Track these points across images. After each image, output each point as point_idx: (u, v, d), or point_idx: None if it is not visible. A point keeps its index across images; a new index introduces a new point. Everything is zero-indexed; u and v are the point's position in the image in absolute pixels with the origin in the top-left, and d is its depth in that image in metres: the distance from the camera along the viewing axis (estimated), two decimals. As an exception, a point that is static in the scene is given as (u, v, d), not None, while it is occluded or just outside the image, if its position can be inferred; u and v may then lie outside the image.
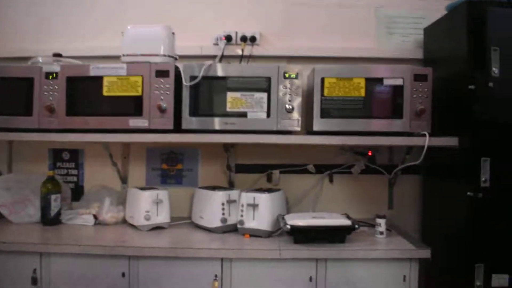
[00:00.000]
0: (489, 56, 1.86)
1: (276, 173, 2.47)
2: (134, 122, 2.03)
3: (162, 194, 2.17)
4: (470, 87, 1.91)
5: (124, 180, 2.50)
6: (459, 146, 1.97)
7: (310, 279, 1.88)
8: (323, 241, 1.94)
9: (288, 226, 1.88)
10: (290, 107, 2.01)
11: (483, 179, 1.89)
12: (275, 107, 2.03)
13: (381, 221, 2.07)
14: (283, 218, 1.98)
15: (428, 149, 1.99)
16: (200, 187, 2.30)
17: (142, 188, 2.20)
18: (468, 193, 1.91)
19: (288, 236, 2.03)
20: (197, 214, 2.23)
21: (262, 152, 2.49)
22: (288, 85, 2.03)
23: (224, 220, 2.10)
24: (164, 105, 2.00)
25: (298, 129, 2.03)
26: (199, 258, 1.84)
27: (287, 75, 2.04)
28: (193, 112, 2.05)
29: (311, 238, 1.94)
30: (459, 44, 1.98)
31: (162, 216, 2.16)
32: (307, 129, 2.11)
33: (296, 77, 2.04)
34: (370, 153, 2.44)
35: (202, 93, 2.06)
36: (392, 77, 2.03)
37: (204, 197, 2.19)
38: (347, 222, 1.94)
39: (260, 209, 2.05)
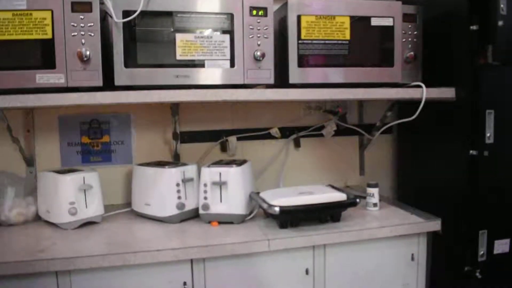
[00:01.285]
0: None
1: (232, 140, 1.99)
2: (44, 77, 1.40)
3: (91, 177, 1.58)
4: (472, 27, 1.62)
5: (29, 162, 1.83)
6: (458, 98, 1.69)
7: (307, 271, 1.49)
8: (313, 222, 1.56)
9: (277, 209, 1.44)
10: (260, 53, 1.54)
11: (488, 134, 1.64)
12: (241, 53, 1.54)
13: (374, 191, 1.73)
14: (261, 198, 1.55)
15: (411, 103, 1.69)
16: (140, 164, 1.74)
17: (60, 171, 1.58)
18: (471, 151, 1.66)
19: (268, 220, 1.61)
20: (141, 200, 1.69)
21: (212, 115, 1.99)
22: (256, 24, 1.55)
23: (181, 206, 1.60)
24: (87, 52, 1.40)
25: (272, 81, 1.57)
26: (159, 263, 1.33)
27: (254, 11, 1.56)
28: (130, 62, 1.47)
29: (299, 219, 1.54)
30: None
31: (93, 208, 1.58)
32: (281, 82, 1.66)
33: (266, 14, 1.56)
34: (340, 110, 2.07)
35: (142, 35, 1.49)
36: (380, 16, 1.65)
37: (150, 177, 1.65)
38: (343, 196, 1.57)
39: (229, 187, 1.58)
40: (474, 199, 1.66)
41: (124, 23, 1.44)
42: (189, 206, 1.63)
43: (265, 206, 1.50)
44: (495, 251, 1.71)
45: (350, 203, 1.55)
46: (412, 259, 1.59)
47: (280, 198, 1.51)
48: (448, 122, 1.77)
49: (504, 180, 1.69)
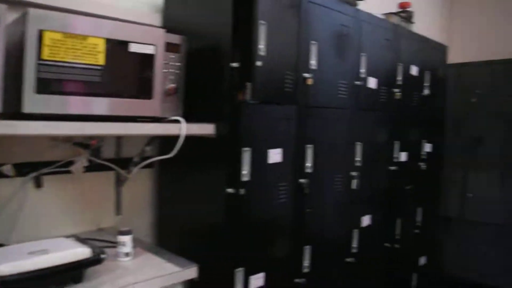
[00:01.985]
0: (256, 31, 1.62)
1: None
2: None
3: None
4: (233, 65, 1.63)
5: None
6: (218, 135, 1.66)
7: None
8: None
9: (-6, 283, 1.08)
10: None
11: (244, 172, 1.66)
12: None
13: (126, 239, 1.52)
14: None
15: (172, 137, 1.59)
16: None
17: None
18: (228, 189, 1.65)
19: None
20: None
21: None
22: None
23: None
24: None
25: (-2, 110, 1.20)
26: None
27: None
28: None
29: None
30: (217, 13, 1.66)
31: None
32: (13, 109, 1.28)
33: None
34: (94, 143, 1.80)
35: None
36: (141, 42, 1.48)
37: None
38: (86, 252, 1.30)
39: None
40: (230, 237, 1.65)
41: None
42: None
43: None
44: (251, 287, 1.75)
45: (94, 260, 1.30)
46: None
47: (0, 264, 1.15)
48: (208, 158, 1.74)
49: (258, 217, 1.75)
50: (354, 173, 2.24)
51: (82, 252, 1.29)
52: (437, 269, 3.41)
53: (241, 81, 1.66)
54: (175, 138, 1.57)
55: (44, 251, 1.24)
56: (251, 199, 1.69)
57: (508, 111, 3.38)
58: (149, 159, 1.79)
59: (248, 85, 1.66)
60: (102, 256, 1.29)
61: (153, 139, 1.79)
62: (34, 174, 1.67)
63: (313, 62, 1.96)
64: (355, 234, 2.30)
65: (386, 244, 2.56)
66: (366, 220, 2.38)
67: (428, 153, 2.97)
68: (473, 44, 3.89)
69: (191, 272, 1.48)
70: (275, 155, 1.80)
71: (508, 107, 3.38)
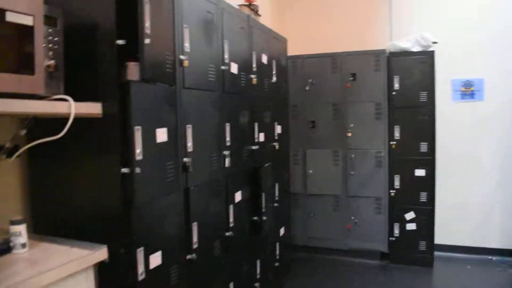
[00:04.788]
0: (142, 8, 1.60)
1: None
2: None
3: None
4: (118, 42, 1.58)
5: None
6: (107, 114, 1.60)
7: None
8: None
9: None
10: None
11: (138, 151, 1.64)
12: None
13: (21, 228, 1.36)
14: None
15: (45, 121, 1.49)
16: None
17: None
18: (123, 169, 1.60)
19: None
20: None
21: None
22: None
23: None
24: None
25: None
26: None
27: None
28: None
29: None
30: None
31: None
32: None
33: None
34: None
35: None
36: (20, 12, 1.34)
37: None
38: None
39: None
40: (129, 217, 1.62)
41: None
42: None
43: None
44: (151, 266, 1.73)
45: (3, 249, 1.16)
46: (81, 299, 1.37)
47: None
48: (96, 139, 1.66)
49: (152, 196, 1.74)
50: (226, 152, 2.39)
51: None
52: (291, 238, 3.84)
53: (127, 59, 1.63)
54: (53, 120, 1.46)
55: None
56: (144, 178, 1.67)
57: (334, 97, 4.00)
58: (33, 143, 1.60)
59: (134, 64, 1.64)
60: (10, 244, 1.14)
61: (28, 122, 1.60)
62: None
63: (187, 45, 2.03)
64: (231, 209, 2.45)
65: (255, 218, 2.78)
66: (238, 196, 2.55)
67: (279, 134, 3.32)
68: (305, 39, 4.45)
69: (102, 253, 1.40)
70: (162, 134, 1.81)
71: (333, 94, 3.99)
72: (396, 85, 3.79)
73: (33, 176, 1.83)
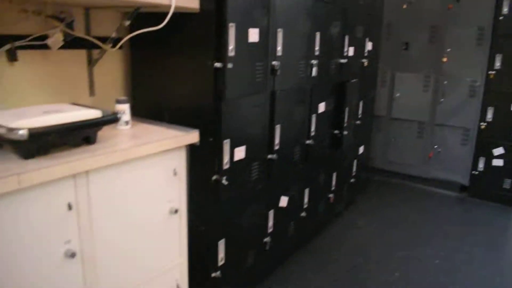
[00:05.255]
0: None
1: None
2: None
3: None
4: None
5: None
6: (203, 9, 1.67)
7: (69, 206, 1.19)
8: (65, 147, 1.25)
9: (24, 132, 1.07)
10: None
11: (231, 47, 1.71)
12: None
13: (125, 107, 1.54)
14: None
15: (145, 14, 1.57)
16: None
17: None
18: (216, 64, 1.69)
19: (1, 152, 1.20)
20: None
21: None
22: None
23: None
24: None
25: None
26: None
27: None
28: None
29: (50, 145, 1.20)
30: None
31: None
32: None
33: None
34: (67, 16, 1.69)
35: None
36: None
37: None
38: (98, 113, 1.31)
39: None
40: (219, 109, 1.73)
41: None
42: None
43: (2, 131, 1.09)
44: (235, 158, 1.88)
45: (111, 119, 1.33)
46: (175, 173, 1.55)
47: (22, 120, 1.14)
48: (192, 34, 1.74)
49: (241, 93, 1.84)
50: (313, 62, 2.38)
51: (95, 112, 1.30)
52: (369, 160, 3.85)
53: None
54: (153, 14, 1.55)
55: (58, 111, 1.23)
56: (235, 75, 1.75)
57: (433, 18, 3.70)
58: (121, 38, 1.74)
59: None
60: (118, 115, 1.31)
61: (132, 14, 1.72)
62: (7, 47, 1.56)
63: None
64: (313, 119, 2.50)
65: (336, 131, 2.82)
66: (321, 107, 2.58)
67: (369, 51, 3.20)
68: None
69: (194, 136, 1.55)
70: (254, 35, 1.85)
71: (433, 15, 3.69)
72: (505, 9, 3.40)
73: (134, 65, 2.01)
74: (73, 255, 1.22)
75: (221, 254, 1.96)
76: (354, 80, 2.93)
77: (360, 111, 3.23)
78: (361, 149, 3.42)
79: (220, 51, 1.69)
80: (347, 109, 2.83)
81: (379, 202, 3.64)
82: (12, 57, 1.59)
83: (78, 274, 1.28)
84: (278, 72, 2.05)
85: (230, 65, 1.70)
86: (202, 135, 1.69)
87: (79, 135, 1.27)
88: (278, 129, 2.14)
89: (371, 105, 3.57)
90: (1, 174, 1.02)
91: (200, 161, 1.81)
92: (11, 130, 1.08)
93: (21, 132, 1.07)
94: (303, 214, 2.61)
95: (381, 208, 3.51)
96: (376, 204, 3.59)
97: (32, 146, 1.15)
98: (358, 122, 3.18)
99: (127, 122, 1.55)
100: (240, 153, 1.89)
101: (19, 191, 1.07)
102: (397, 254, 2.77)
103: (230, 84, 1.73)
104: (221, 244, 1.94)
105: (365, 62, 3.11)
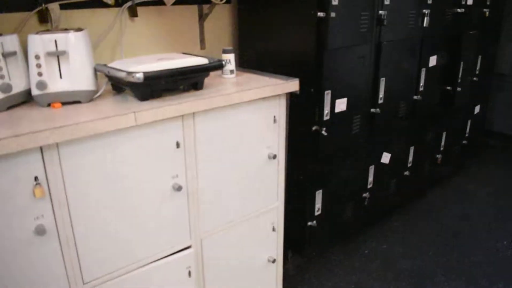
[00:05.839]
0: None
1: (54, 8, 1.54)
2: None
3: None
4: None
5: None
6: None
7: (177, 144, 1.33)
8: (175, 92, 1.38)
9: (140, 75, 1.20)
10: None
11: (334, -4, 1.68)
12: None
13: (230, 57, 1.62)
14: (114, 68, 1.27)
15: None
16: None
17: None
18: (319, 13, 1.68)
19: (122, 95, 1.37)
20: None
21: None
22: None
23: (6, 88, 1.18)
24: None
25: None
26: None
27: None
28: None
29: (162, 89, 1.34)
30: None
31: None
32: None
33: None
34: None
35: None
36: None
37: None
38: (205, 60, 1.41)
39: (70, 58, 1.23)
40: (321, 59, 1.73)
41: None
42: (17, 88, 1.22)
43: (122, 74, 1.23)
44: (336, 110, 1.88)
45: (217, 65, 1.42)
46: (274, 121, 1.60)
47: (139, 65, 1.27)
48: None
49: (342, 41, 1.81)
50: (425, 10, 2.21)
51: (202, 60, 1.40)
52: (486, 122, 3.52)
53: None
54: None
55: (170, 59, 1.35)
56: (338, 24, 1.73)
57: None
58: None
59: None
60: (223, 62, 1.39)
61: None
62: (128, 3, 1.72)
63: None
64: (423, 73, 2.36)
65: (448, 87, 2.63)
66: (432, 61, 2.42)
67: (492, -1, 2.87)
68: None
69: (294, 84, 1.58)
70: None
71: None
72: None
73: (241, 19, 2.07)
74: (179, 188, 1.36)
75: (318, 204, 2.01)
76: (472, 32, 2.67)
77: (477, 67, 2.95)
78: (476, 109, 3.14)
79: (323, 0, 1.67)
80: (461, 64, 2.61)
81: (494, 169, 3.34)
82: (133, 13, 1.75)
83: (184, 207, 1.42)
84: (385, 22, 1.96)
85: (333, 14, 1.68)
86: (303, 85, 1.71)
87: (187, 80, 1.38)
88: (383, 82, 2.07)
89: (491, 61, 3.23)
90: (122, 112, 1.17)
91: (301, 111, 1.85)
92: (130, 73, 1.22)
93: (137, 75, 1.20)
94: (406, 173, 2.52)
95: (495, 175, 3.23)
96: (490, 171, 3.31)
97: (147, 89, 1.28)
98: (474, 78, 2.92)
99: (232, 71, 1.63)
100: (341, 105, 1.88)
101: (136, 128, 1.22)
102: (508, 223, 2.56)
103: (333, 33, 1.71)
104: (319, 195, 1.99)
105: (487, 12, 2.80)
